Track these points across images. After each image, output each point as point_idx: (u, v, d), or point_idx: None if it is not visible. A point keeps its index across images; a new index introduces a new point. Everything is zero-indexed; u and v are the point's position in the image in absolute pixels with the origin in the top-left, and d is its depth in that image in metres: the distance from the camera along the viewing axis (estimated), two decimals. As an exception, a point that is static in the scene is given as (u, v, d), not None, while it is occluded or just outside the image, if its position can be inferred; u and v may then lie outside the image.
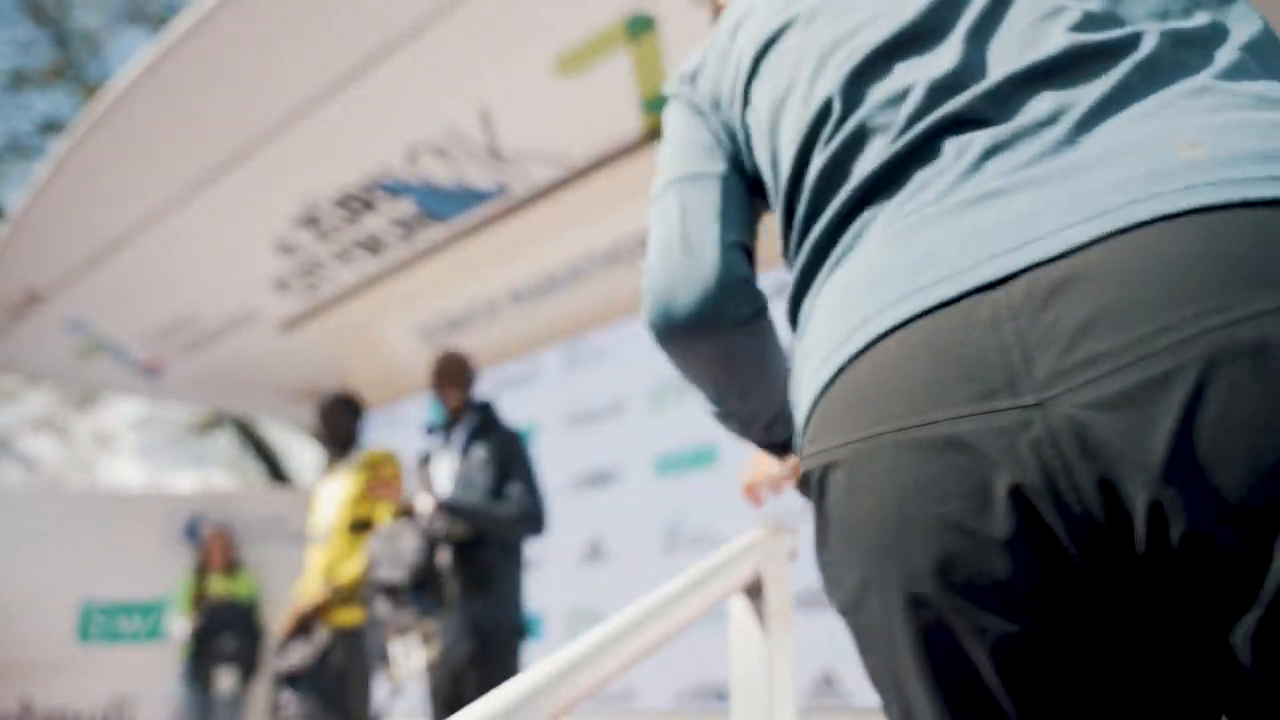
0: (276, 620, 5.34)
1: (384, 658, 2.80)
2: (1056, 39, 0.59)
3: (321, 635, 3.12)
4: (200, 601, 5.24)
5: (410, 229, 4.19)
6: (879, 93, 0.64)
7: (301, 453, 14.10)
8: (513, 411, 3.37)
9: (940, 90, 0.61)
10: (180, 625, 5.19)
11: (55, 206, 4.20)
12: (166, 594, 5.60)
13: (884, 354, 0.56)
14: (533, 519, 3.02)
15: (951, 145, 0.59)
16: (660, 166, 0.82)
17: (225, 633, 5.14)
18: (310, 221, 4.10)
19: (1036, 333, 0.49)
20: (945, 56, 0.62)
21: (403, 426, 4.98)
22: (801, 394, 0.64)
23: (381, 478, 3.43)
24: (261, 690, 5.28)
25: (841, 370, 0.59)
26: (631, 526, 3.92)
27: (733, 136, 0.79)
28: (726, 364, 0.78)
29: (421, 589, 2.78)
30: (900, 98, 0.63)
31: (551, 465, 3.26)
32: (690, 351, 0.78)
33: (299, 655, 3.10)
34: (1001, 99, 0.59)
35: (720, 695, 3.52)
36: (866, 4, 0.69)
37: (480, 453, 3.11)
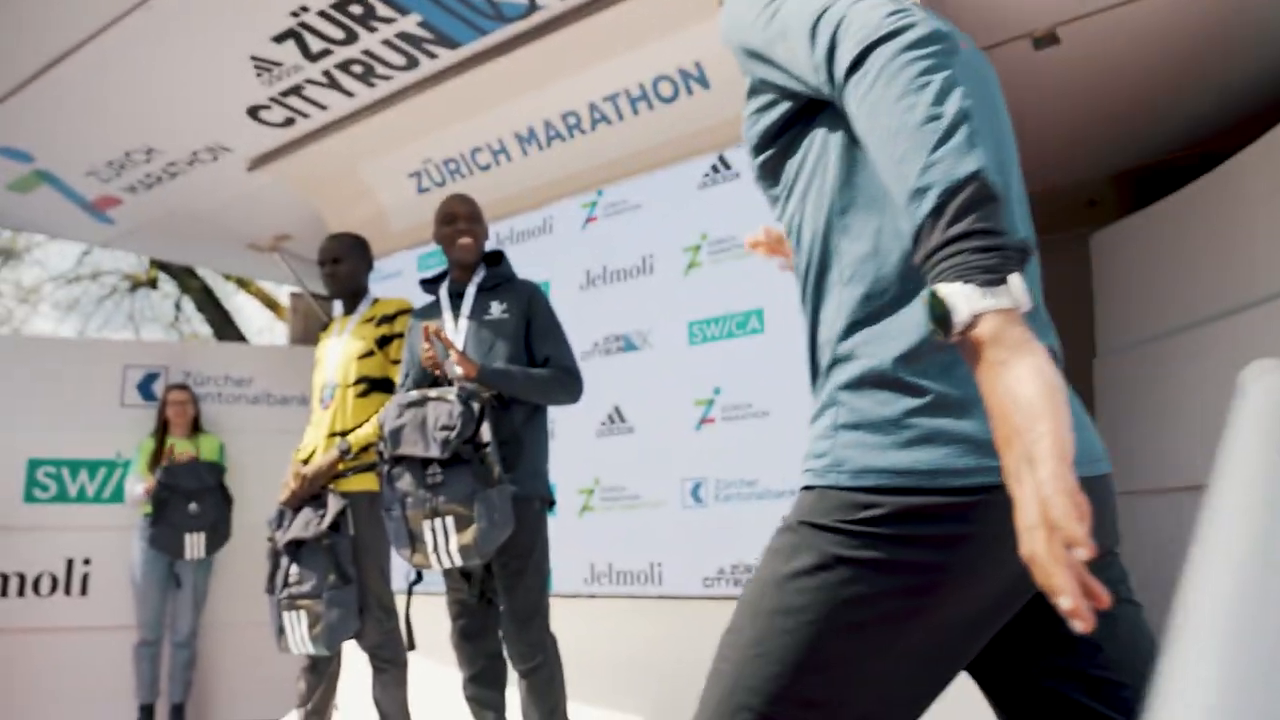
0: (242, 486, 4.98)
1: (408, 542, 2.46)
2: None
3: (333, 502, 2.77)
4: (159, 463, 4.83)
5: (412, 52, 3.65)
6: None
7: (251, 315, 13.41)
8: (521, 270, 2.97)
9: None
10: (139, 488, 4.79)
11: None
12: (123, 453, 5.17)
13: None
14: (574, 379, 2.70)
15: None
16: None
17: (188, 497, 4.76)
18: (296, 33, 3.53)
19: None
20: None
21: (388, 282, 4.53)
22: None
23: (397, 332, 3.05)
24: (230, 557, 4.95)
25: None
26: (658, 397, 3.60)
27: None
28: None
29: (453, 465, 2.43)
30: None
31: (567, 329, 2.89)
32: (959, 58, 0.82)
33: (307, 523, 2.75)
34: None
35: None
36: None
37: (497, 310, 2.74)
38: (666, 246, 3.67)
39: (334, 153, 4.33)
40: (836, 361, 0.97)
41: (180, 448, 4.91)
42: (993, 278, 0.70)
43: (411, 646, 2.72)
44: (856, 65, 0.82)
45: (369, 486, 2.88)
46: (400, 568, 2.78)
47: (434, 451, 2.43)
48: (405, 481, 2.47)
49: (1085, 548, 0.63)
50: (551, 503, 2.72)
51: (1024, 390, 0.67)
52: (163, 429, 4.99)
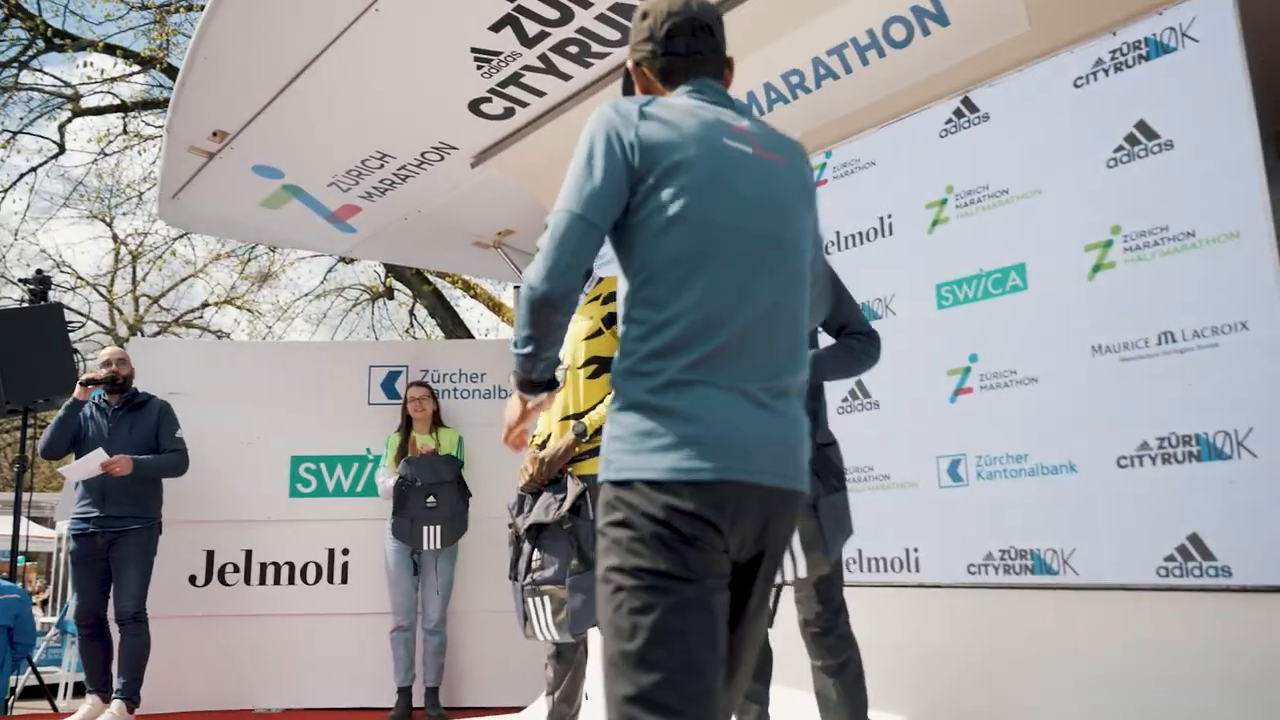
0: (478, 478, 5.10)
1: None
2: None
3: (573, 485, 2.69)
4: (404, 457, 5.03)
5: (626, 24, 3.54)
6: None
7: (478, 317, 14.09)
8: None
9: None
10: (389, 481, 5.01)
11: (233, 33, 3.77)
12: (372, 448, 5.44)
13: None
14: (877, 343, 2.50)
15: None
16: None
17: (426, 490, 4.92)
18: (513, 19, 3.51)
19: None
20: None
21: (607, 269, 4.47)
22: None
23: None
24: (474, 547, 5.08)
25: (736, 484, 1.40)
26: (905, 368, 3.30)
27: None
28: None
29: None
30: None
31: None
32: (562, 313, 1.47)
33: (547, 508, 2.69)
34: None
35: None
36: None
37: None
38: (906, 204, 3.37)
39: (552, 141, 4.31)
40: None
41: (422, 441, 5.10)
42: (519, 384, 1.55)
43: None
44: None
45: None
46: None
47: None
48: None
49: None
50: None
51: (509, 408, 1.68)
52: (407, 424, 5.20)
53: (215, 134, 4.50)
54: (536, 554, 2.70)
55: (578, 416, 2.85)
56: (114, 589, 4.55)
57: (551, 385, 1.55)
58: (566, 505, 2.67)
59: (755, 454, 1.39)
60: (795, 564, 2.22)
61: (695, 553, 1.35)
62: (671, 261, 1.42)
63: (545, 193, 4.74)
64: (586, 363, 2.89)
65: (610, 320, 2.92)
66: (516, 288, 6.27)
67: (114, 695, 4.47)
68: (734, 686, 1.49)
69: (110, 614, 4.57)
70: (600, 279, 3.09)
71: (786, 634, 2.41)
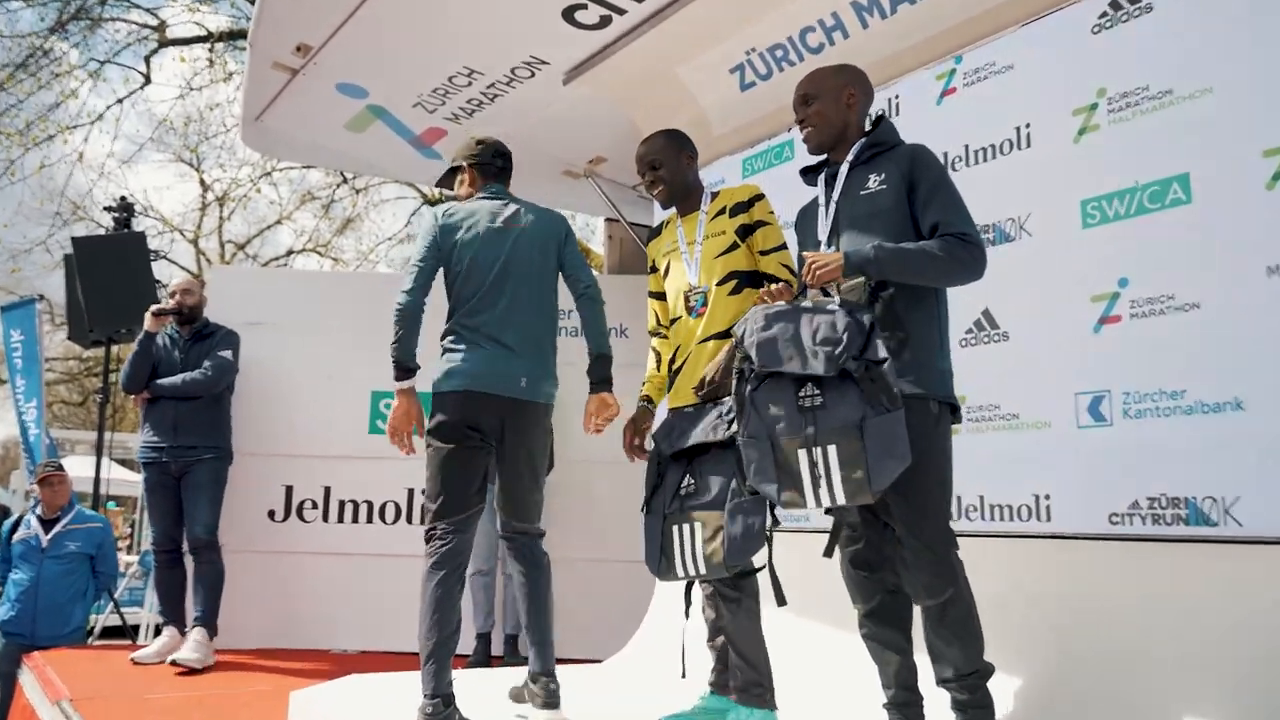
0: (564, 420, 4.88)
1: (776, 477, 2.06)
2: None
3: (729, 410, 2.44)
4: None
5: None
6: None
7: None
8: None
9: None
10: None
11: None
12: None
13: None
14: (972, 247, 2.16)
15: None
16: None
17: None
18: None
19: None
20: None
21: (706, 196, 4.19)
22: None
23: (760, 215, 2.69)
24: (563, 494, 4.89)
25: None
26: (1041, 295, 2.97)
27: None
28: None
29: (836, 386, 2.02)
30: None
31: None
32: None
33: (715, 427, 2.46)
34: None
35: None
36: None
37: (874, 183, 2.26)
38: (1049, 112, 3.01)
39: (650, 54, 4.04)
40: None
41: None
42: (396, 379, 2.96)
43: (781, 602, 2.28)
44: None
45: None
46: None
47: (815, 368, 2.02)
48: (775, 404, 2.08)
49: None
50: (954, 407, 2.22)
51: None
52: (488, 360, 5.02)
53: (299, 48, 4.34)
54: (688, 478, 2.47)
55: (723, 335, 2.62)
56: (186, 519, 4.56)
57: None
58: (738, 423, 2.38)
59: None
60: (832, 491, 1.99)
61: None
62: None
63: (641, 115, 4.47)
64: (725, 279, 2.66)
65: (744, 232, 2.68)
66: (614, 221, 6.03)
67: (193, 622, 4.45)
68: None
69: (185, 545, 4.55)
70: (715, 193, 2.83)
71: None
